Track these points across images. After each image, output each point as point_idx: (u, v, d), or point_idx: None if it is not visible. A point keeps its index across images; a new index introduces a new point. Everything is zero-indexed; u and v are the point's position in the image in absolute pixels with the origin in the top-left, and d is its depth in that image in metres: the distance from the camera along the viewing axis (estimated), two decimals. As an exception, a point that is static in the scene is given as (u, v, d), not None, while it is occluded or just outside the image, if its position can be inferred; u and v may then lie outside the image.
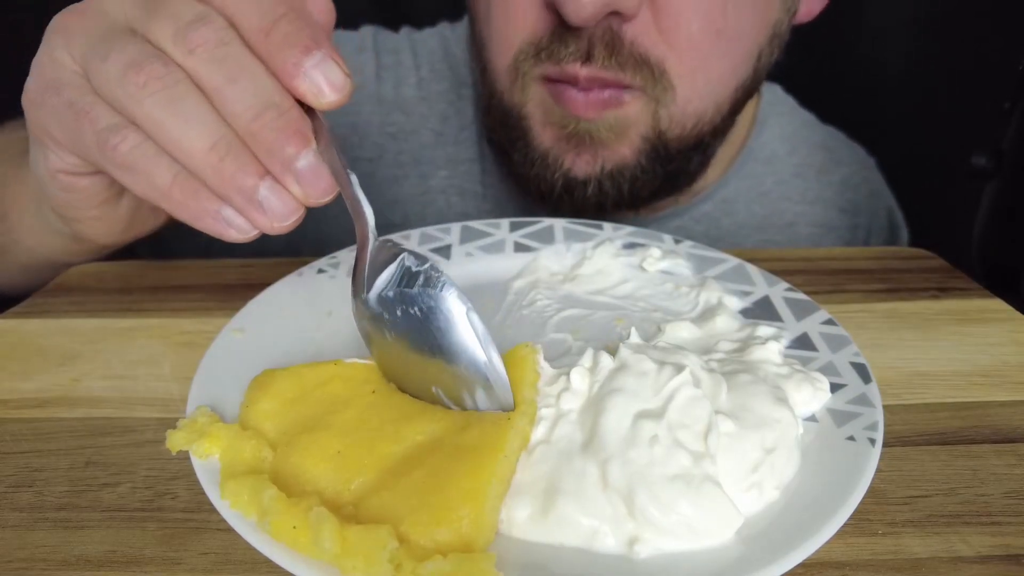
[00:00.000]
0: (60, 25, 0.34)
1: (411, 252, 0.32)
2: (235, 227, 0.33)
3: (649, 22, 0.49)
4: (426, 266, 0.31)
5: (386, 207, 0.66)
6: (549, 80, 0.52)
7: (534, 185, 0.57)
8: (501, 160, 0.61)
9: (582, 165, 0.54)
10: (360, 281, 0.33)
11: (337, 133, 0.68)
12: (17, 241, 0.50)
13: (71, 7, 0.35)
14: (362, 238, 0.33)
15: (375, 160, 0.67)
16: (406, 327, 0.31)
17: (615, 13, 0.48)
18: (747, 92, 0.56)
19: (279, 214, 0.32)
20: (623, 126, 0.53)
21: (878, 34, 0.92)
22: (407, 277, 0.32)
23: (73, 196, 0.40)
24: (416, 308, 0.31)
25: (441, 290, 0.31)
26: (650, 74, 0.50)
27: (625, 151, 0.54)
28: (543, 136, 0.55)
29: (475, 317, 0.31)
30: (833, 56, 0.92)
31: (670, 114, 0.52)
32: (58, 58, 0.34)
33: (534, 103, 0.54)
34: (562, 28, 0.49)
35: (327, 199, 0.32)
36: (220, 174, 0.31)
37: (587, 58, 0.49)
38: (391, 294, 0.32)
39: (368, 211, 0.33)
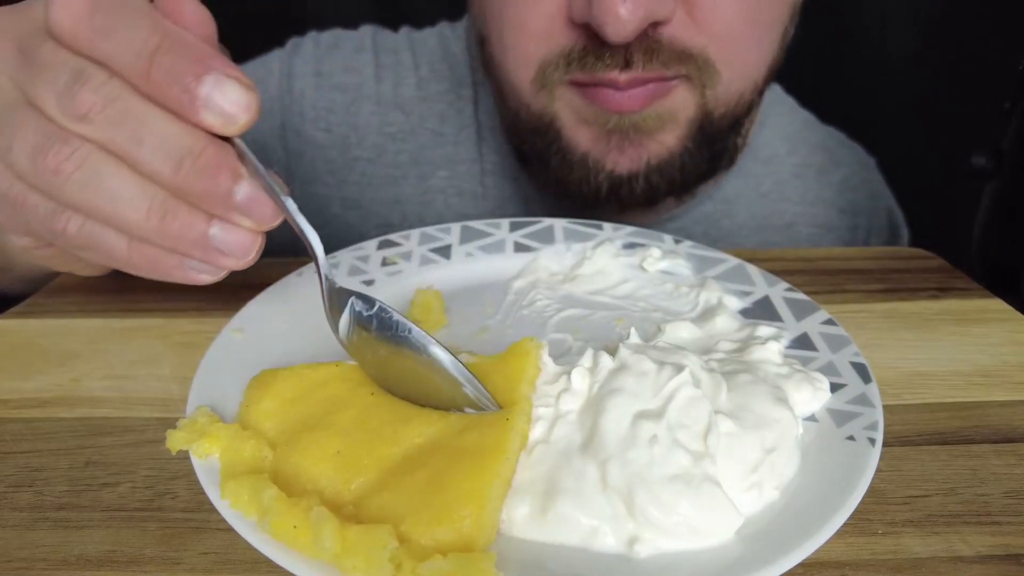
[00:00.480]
0: None
1: (358, 295, 0.33)
2: (204, 273, 0.33)
3: (683, 18, 0.48)
4: (375, 309, 0.32)
5: (385, 207, 0.66)
6: (576, 84, 0.51)
7: (576, 189, 0.56)
8: (538, 171, 0.59)
9: (625, 163, 0.53)
10: (329, 318, 0.34)
11: (338, 131, 0.69)
12: (15, 261, 0.48)
13: None
14: (316, 264, 0.33)
15: (374, 160, 0.67)
16: (381, 357, 0.33)
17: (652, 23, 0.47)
18: (776, 69, 0.56)
19: (239, 250, 0.31)
20: (670, 113, 0.52)
21: (878, 34, 0.92)
22: (362, 322, 0.32)
23: (47, 260, 0.38)
24: (382, 349, 0.32)
25: (397, 331, 0.32)
26: (694, 64, 0.50)
27: (671, 140, 0.53)
28: (578, 138, 0.54)
29: (437, 349, 0.31)
30: (833, 56, 0.92)
31: (716, 95, 0.52)
32: None
33: (562, 105, 0.53)
34: (596, 43, 0.48)
35: (279, 220, 0.32)
36: (166, 234, 0.31)
37: (626, 65, 0.48)
38: (355, 337, 0.33)
39: (312, 236, 0.33)
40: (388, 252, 0.48)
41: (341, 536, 0.25)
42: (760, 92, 0.57)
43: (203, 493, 0.28)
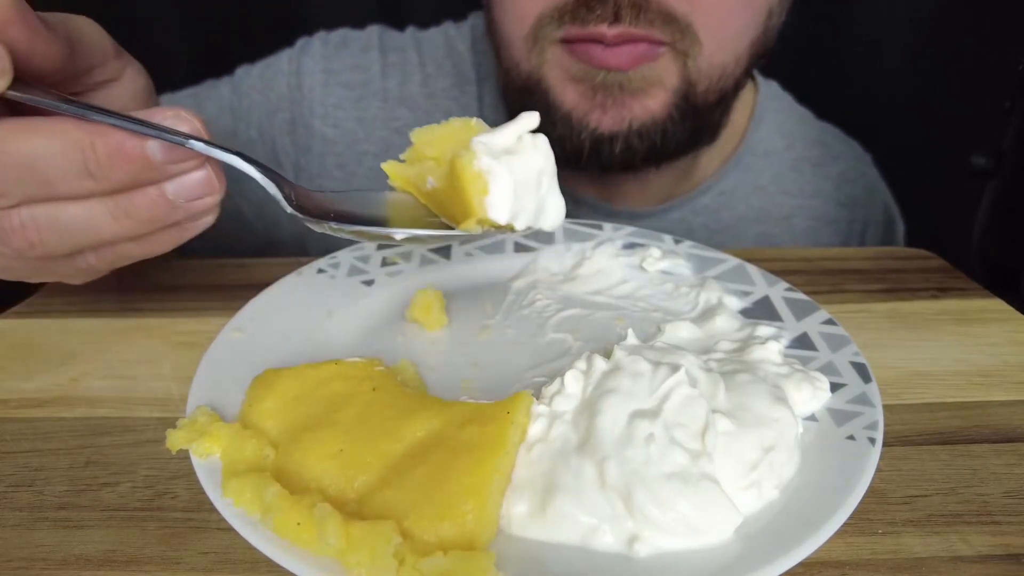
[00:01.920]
0: None
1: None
2: (200, 220, 0.34)
3: None
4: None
5: None
6: (568, 41, 0.52)
7: (560, 148, 0.56)
8: None
9: (608, 122, 0.54)
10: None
11: (346, 127, 0.69)
12: None
13: None
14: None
15: (380, 155, 0.67)
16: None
17: None
18: (760, 49, 0.57)
19: (204, 187, 0.33)
20: (657, 77, 0.53)
21: (877, 33, 0.92)
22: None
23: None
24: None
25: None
26: (677, 29, 0.51)
27: (654, 105, 0.54)
28: (564, 96, 0.55)
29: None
30: (833, 55, 0.92)
31: (698, 66, 0.53)
32: None
33: (551, 64, 0.54)
34: None
35: (205, 134, 0.32)
36: (143, 221, 0.32)
37: (615, 19, 0.50)
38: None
39: (232, 157, 0.32)
40: (388, 252, 0.48)
41: (345, 532, 0.25)
42: (746, 72, 0.58)
43: (203, 493, 0.28)
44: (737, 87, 0.58)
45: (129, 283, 0.50)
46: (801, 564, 0.25)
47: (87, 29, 0.34)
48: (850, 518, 0.27)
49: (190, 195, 0.32)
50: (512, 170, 0.30)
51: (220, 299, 0.47)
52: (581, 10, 0.50)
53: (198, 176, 0.32)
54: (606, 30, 0.50)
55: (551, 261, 0.48)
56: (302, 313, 0.42)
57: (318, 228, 0.33)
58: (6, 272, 0.36)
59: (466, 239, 0.32)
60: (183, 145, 0.30)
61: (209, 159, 0.32)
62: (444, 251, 0.48)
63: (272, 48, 0.71)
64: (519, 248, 0.49)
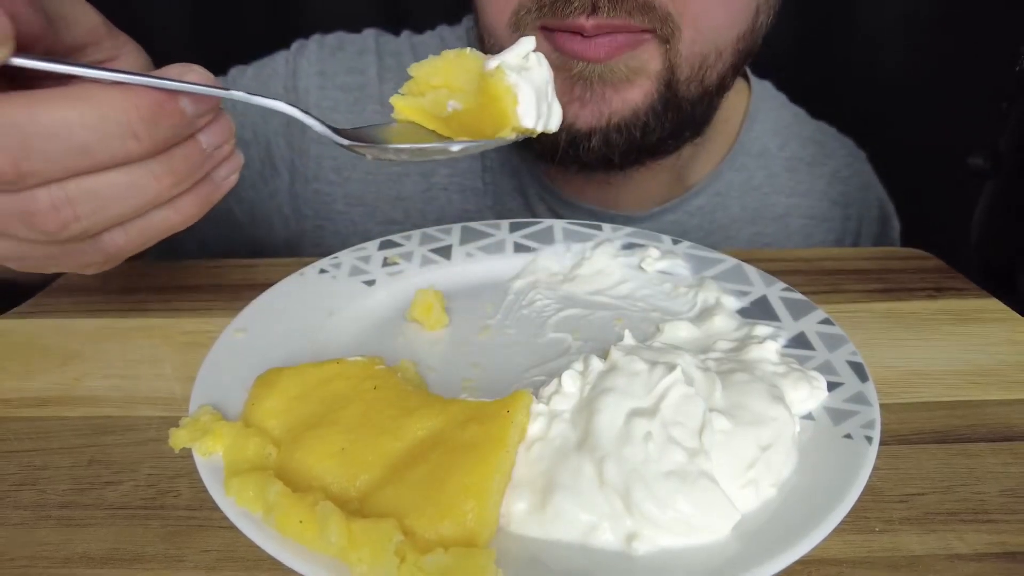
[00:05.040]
0: None
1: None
2: (229, 173, 0.35)
3: None
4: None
5: (388, 204, 0.67)
6: (548, 29, 0.52)
7: (537, 143, 0.56)
8: None
9: (587, 117, 0.54)
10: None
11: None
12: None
13: None
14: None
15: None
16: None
17: None
18: (748, 47, 0.56)
19: (228, 133, 0.34)
20: (639, 65, 0.52)
21: (875, 34, 0.92)
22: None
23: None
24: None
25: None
26: (657, 17, 0.50)
27: (636, 96, 0.53)
28: None
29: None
30: (831, 57, 0.92)
31: (679, 51, 0.52)
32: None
33: None
34: None
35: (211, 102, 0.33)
36: (182, 177, 0.33)
37: (592, 10, 0.49)
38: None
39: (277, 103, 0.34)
40: (389, 252, 0.48)
41: (347, 530, 0.25)
42: (733, 70, 0.56)
43: (205, 491, 0.28)
44: (723, 85, 0.57)
45: (132, 283, 0.50)
46: (799, 562, 0.26)
47: (69, 5, 0.33)
48: (847, 516, 0.27)
49: (217, 142, 0.33)
50: (531, 82, 0.35)
51: (222, 299, 0.47)
52: (559, 2, 0.50)
53: (221, 123, 0.33)
54: (584, 21, 0.49)
55: (551, 261, 0.48)
56: (304, 313, 0.42)
57: (371, 155, 0.35)
58: (20, 262, 0.35)
59: (501, 144, 0.37)
60: (225, 96, 0.32)
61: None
62: (445, 251, 0.49)
63: (268, 50, 0.71)
64: (519, 248, 0.49)
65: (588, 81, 0.52)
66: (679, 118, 0.56)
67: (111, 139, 0.30)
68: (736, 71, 0.57)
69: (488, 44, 0.57)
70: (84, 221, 0.31)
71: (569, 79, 0.52)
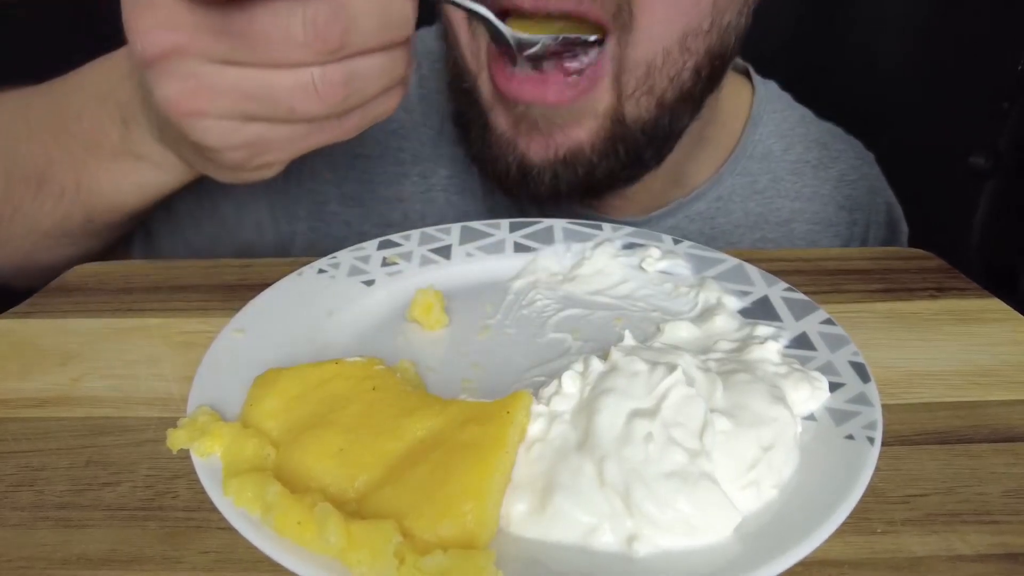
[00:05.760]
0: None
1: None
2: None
3: None
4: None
5: (387, 205, 0.66)
6: (494, 57, 0.50)
7: (491, 169, 0.56)
8: (468, 145, 0.60)
9: (536, 149, 0.53)
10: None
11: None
12: (109, 207, 0.53)
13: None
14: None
15: (375, 157, 0.67)
16: None
17: None
18: (708, 49, 0.51)
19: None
20: (587, 107, 0.51)
21: (876, 35, 0.92)
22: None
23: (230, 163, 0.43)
24: None
25: None
26: (613, 4, 0.47)
27: (581, 134, 0.52)
28: (498, 119, 0.54)
29: None
30: (832, 57, 0.92)
31: (630, 59, 0.49)
32: (226, 127, 0.38)
33: (483, 80, 0.53)
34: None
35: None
36: (394, 77, 0.38)
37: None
38: None
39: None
40: (388, 252, 0.48)
41: (346, 531, 0.25)
42: (695, 73, 0.52)
43: (204, 492, 0.28)
44: (685, 95, 0.53)
45: (130, 284, 0.50)
46: (800, 563, 0.25)
47: None
48: (849, 517, 0.27)
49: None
50: None
51: (221, 299, 0.47)
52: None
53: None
54: (521, 1, 0.47)
55: (551, 261, 0.48)
56: (302, 313, 0.42)
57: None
58: (252, 148, 0.39)
59: None
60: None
61: None
62: (444, 251, 0.48)
63: None
64: (519, 248, 0.49)
65: (533, 121, 0.51)
66: (631, 149, 0.54)
67: (392, 26, 0.35)
68: (702, 76, 0.53)
69: (451, 60, 0.57)
70: (354, 97, 0.36)
71: (514, 116, 0.52)
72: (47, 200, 0.52)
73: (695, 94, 0.54)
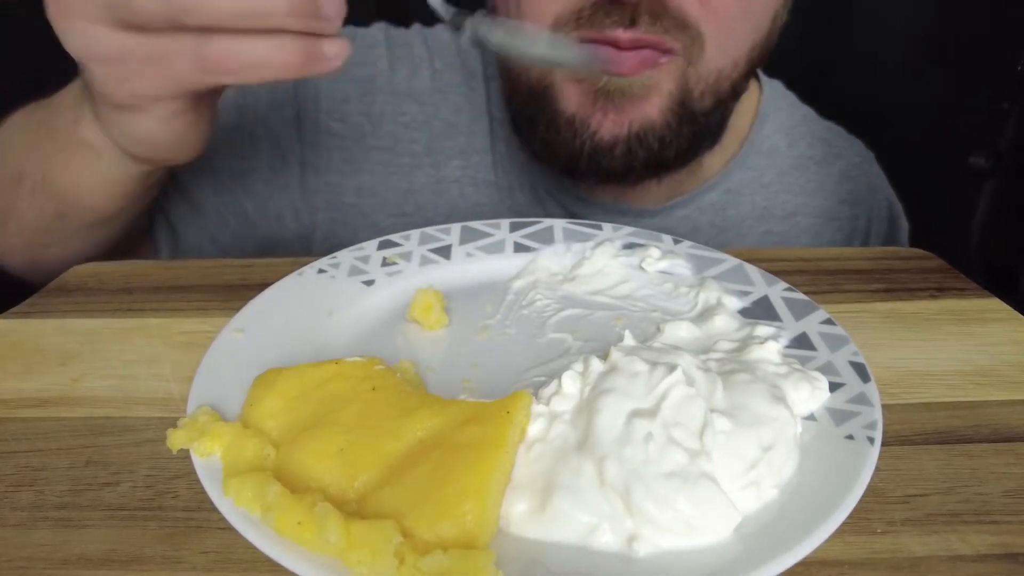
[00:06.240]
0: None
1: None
2: (333, 56, 0.39)
3: None
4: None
5: (399, 196, 0.67)
6: (583, 41, 0.52)
7: (562, 153, 0.57)
8: (527, 135, 0.62)
9: (609, 127, 0.55)
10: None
11: (353, 121, 0.70)
12: (73, 203, 0.53)
13: None
14: None
15: (389, 149, 0.68)
16: None
17: None
18: (762, 52, 0.57)
19: (336, 9, 0.38)
20: (654, 83, 0.53)
21: (876, 34, 0.92)
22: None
23: (176, 126, 0.44)
24: None
25: None
26: (688, 36, 0.51)
27: (652, 110, 0.54)
28: (569, 100, 0.55)
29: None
30: (832, 57, 0.92)
31: (697, 72, 0.53)
32: (92, 32, 0.38)
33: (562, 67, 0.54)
34: (606, 2, 0.50)
35: None
36: (298, 15, 0.36)
37: (631, 24, 0.50)
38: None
39: None
40: (388, 252, 0.48)
41: (346, 531, 0.25)
42: (745, 76, 0.58)
43: (204, 492, 0.28)
44: (736, 91, 0.58)
45: (130, 283, 0.50)
46: (800, 563, 0.25)
47: None
48: (849, 517, 0.27)
49: (332, 12, 0.38)
50: None
51: (221, 299, 0.47)
52: (599, 14, 0.50)
53: (338, 5, 0.38)
54: (621, 34, 0.50)
55: (551, 261, 0.48)
56: (302, 313, 0.42)
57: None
58: (115, 65, 0.39)
59: None
60: None
61: None
62: (444, 251, 0.48)
63: None
64: (519, 248, 0.49)
65: (611, 95, 0.53)
66: (694, 131, 0.57)
67: None
68: (750, 76, 0.59)
69: (513, 66, 0.58)
70: (207, 11, 0.35)
71: (593, 92, 0.53)
72: (24, 196, 0.53)
73: (741, 90, 0.59)
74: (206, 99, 0.45)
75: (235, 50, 0.37)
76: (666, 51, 0.52)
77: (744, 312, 0.42)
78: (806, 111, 0.74)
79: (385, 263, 0.47)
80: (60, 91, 0.53)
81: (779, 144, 0.70)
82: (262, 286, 0.43)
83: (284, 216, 0.67)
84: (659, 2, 0.50)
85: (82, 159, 0.50)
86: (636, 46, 0.51)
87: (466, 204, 0.67)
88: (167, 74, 0.39)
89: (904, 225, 0.75)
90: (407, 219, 0.66)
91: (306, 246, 0.68)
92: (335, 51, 0.39)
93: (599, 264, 0.47)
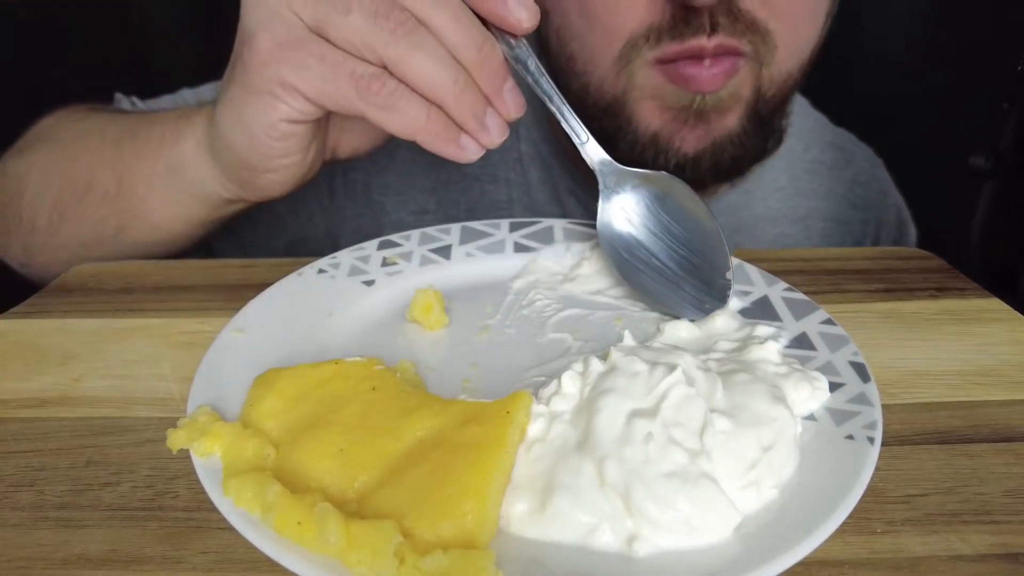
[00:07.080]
0: None
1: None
2: (469, 150, 0.41)
3: None
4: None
5: (422, 193, 0.68)
6: (662, 62, 0.51)
7: (643, 168, 0.57)
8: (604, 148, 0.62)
9: (693, 141, 0.54)
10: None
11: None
12: (140, 217, 0.54)
13: None
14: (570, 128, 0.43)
15: (413, 147, 0.68)
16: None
17: None
18: (817, 52, 0.57)
19: (497, 132, 0.41)
20: (735, 91, 0.53)
21: (877, 36, 0.92)
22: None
23: (284, 144, 0.45)
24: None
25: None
26: (760, 39, 0.51)
27: (731, 119, 0.54)
28: (652, 120, 0.54)
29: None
30: (830, 56, 0.92)
31: (771, 75, 0.53)
32: (289, 19, 0.39)
33: (640, 89, 0.53)
34: (683, 11, 0.49)
35: (522, 112, 0.42)
36: (461, 104, 0.39)
37: (712, 30, 0.49)
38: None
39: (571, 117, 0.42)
40: (388, 252, 0.48)
41: (346, 531, 0.25)
42: (805, 74, 0.57)
43: (204, 492, 0.28)
44: (793, 91, 0.58)
45: (130, 283, 0.50)
46: (800, 563, 0.25)
47: None
48: (849, 517, 0.27)
49: (492, 127, 0.41)
50: None
51: (221, 299, 0.47)
52: (679, 25, 0.49)
53: (502, 123, 0.41)
54: (705, 42, 0.49)
55: (551, 261, 0.48)
56: (302, 313, 0.42)
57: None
58: (323, 86, 0.40)
59: None
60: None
61: None
62: (444, 251, 0.48)
63: None
64: (519, 248, 0.49)
65: (700, 112, 0.52)
66: (766, 134, 0.57)
67: (466, 34, 0.38)
68: (809, 71, 0.58)
69: (583, 73, 0.55)
70: (407, 39, 0.38)
71: (681, 111, 0.53)
72: (90, 204, 0.54)
73: (800, 84, 0.59)
74: (322, 131, 0.47)
75: (397, 93, 0.39)
76: (742, 55, 0.51)
77: (744, 312, 0.42)
78: (818, 116, 0.75)
79: (385, 263, 0.47)
80: (152, 102, 0.54)
81: (794, 148, 0.70)
82: (262, 286, 0.43)
83: (314, 215, 0.68)
84: (730, 3, 0.49)
85: (169, 174, 0.51)
86: (723, 52, 0.50)
87: (487, 200, 0.68)
88: (325, 76, 0.40)
89: (912, 231, 0.76)
90: (429, 216, 0.67)
91: (333, 245, 0.68)
92: (472, 148, 0.41)
93: (599, 264, 0.47)
